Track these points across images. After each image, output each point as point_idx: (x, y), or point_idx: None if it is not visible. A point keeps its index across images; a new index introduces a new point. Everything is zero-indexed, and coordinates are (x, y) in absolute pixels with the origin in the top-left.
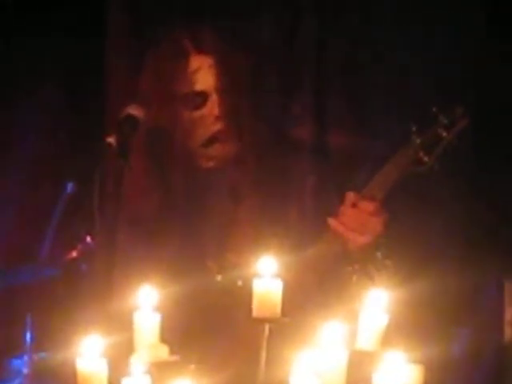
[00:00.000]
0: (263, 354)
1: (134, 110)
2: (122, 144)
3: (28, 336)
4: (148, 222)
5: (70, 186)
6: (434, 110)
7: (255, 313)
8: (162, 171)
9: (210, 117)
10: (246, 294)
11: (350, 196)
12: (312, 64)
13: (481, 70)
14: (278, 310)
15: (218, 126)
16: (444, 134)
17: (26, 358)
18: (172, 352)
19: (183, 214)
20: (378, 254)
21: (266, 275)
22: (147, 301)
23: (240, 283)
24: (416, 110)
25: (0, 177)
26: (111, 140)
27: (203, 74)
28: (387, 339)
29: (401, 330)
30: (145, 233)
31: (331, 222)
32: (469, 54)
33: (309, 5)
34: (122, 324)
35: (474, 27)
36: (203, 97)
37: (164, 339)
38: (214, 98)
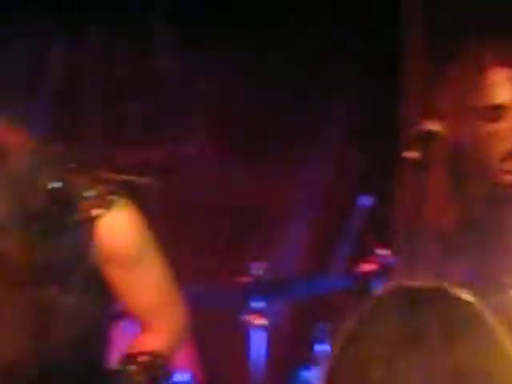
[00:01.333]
0: None
1: (434, 126)
2: (423, 159)
3: (318, 347)
4: (446, 236)
5: (367, 200)
6: None
7: None
8: (459, 185)
9: (509, 130)
10: None
11: None
12: None
13: None
14: None
15: None
16: None
17: (314, 369)
18: None
19: (480, 228)
20: None
21: None
22: None
23: None
24: None
25: (296, 190)
26: (412, 155)
27: (502, 87)
28: None
29: None
30: (442, 248)
31: None
32: None
33: None
34: None
35: None
36: (500, 110)
37: None
38: None
